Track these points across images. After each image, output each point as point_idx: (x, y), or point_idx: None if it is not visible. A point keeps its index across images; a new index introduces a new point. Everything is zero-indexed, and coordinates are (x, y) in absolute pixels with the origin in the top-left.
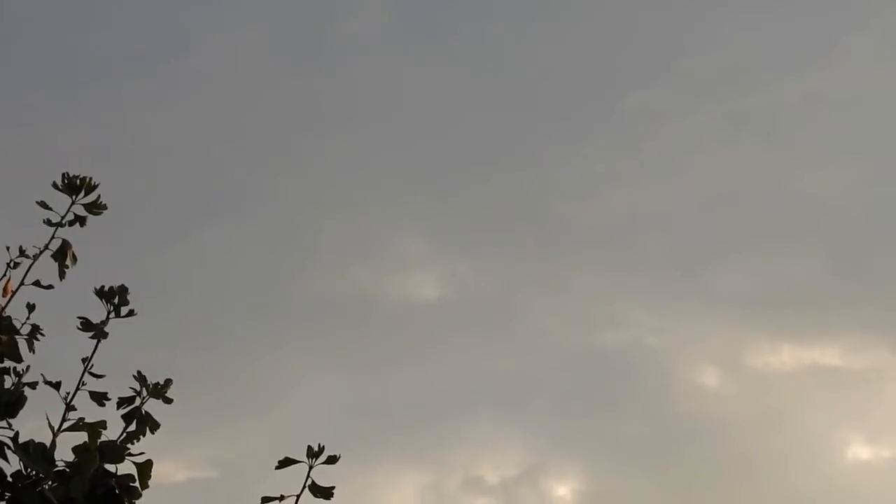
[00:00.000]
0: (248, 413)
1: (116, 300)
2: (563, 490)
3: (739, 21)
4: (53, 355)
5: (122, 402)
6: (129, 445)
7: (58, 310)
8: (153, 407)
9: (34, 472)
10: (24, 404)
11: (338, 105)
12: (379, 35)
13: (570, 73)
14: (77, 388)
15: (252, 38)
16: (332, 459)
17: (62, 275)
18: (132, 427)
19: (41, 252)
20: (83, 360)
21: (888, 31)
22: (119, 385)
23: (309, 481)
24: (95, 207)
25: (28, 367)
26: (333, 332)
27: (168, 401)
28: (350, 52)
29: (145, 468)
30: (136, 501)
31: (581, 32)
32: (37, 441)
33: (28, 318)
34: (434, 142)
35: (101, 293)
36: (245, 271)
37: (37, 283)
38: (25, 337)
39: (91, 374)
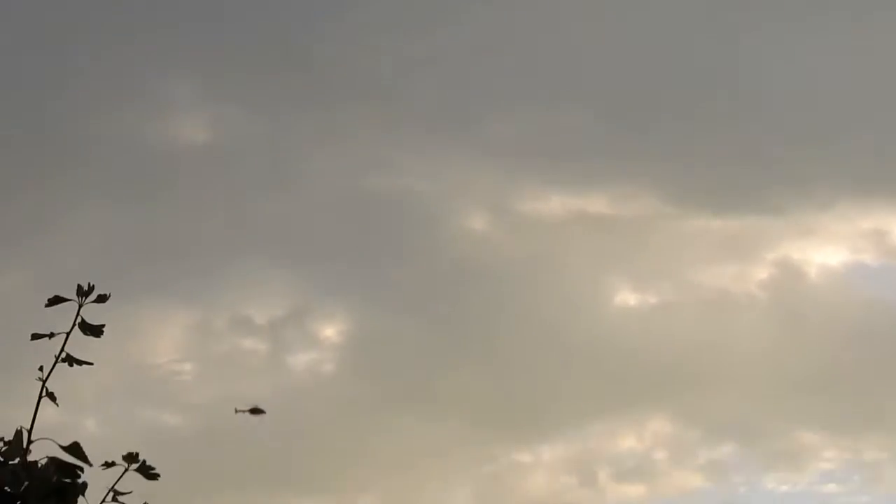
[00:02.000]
0: (12, 248)
1: None
2: (330, 331)
3: None
4: None
5: None
6: None
7: None
8: None
9: None
10: None
11: None
12: None
13: None
14: None
15: None
16: (102, 298)
17: None
18: None
19: None
20: None
21: None
22: None
23: (79, 319)
24: None
25: None
26: (104, 168)
27: None
28: None
29: None
30: None
31: None
32: None
33: None
34: None
35: None
36: (6, 103)
37: None
38: None
39: None
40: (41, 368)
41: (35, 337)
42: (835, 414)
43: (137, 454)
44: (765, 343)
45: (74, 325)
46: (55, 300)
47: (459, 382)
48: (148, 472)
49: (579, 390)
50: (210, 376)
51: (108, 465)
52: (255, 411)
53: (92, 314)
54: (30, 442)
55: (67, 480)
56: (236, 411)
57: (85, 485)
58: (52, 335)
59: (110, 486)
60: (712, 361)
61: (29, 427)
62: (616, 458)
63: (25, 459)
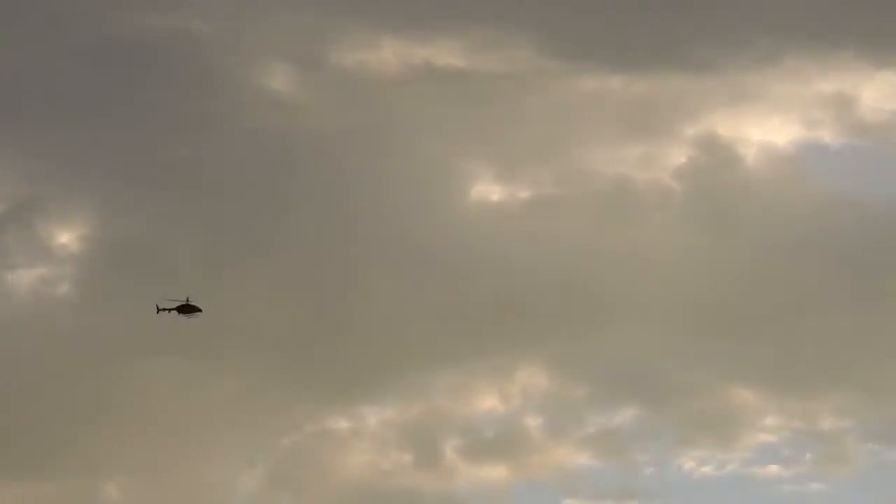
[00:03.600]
0: None
1: None
2: (66, 236)
3: None
4: None
5: None
6: None
7: None
8: None
9: None
10: None
11: None
12: None
13: None
14: None
15: None
16: None
17: None
18: None
19: None
20: None
21: None
22: None
23: None
24: None
25: None
26: None
27: None
28: None
29: None
30: None
31: None
32: None
33: None
34: None
35: None
36: None
37: None
38: None
39: None
40: None
41: None
42: (779, 362)
43: None
44: (681, 258)
45: None
46: None
47: (250, 312)
48: None
49: (420, 326)
50: None
51: None
52: (188, 309)
53: None
54: None
55: None
56: (158, 310)
57: None
58: None
59: None
60: (607, 284)
61: None
62: (469, 424)
63: None
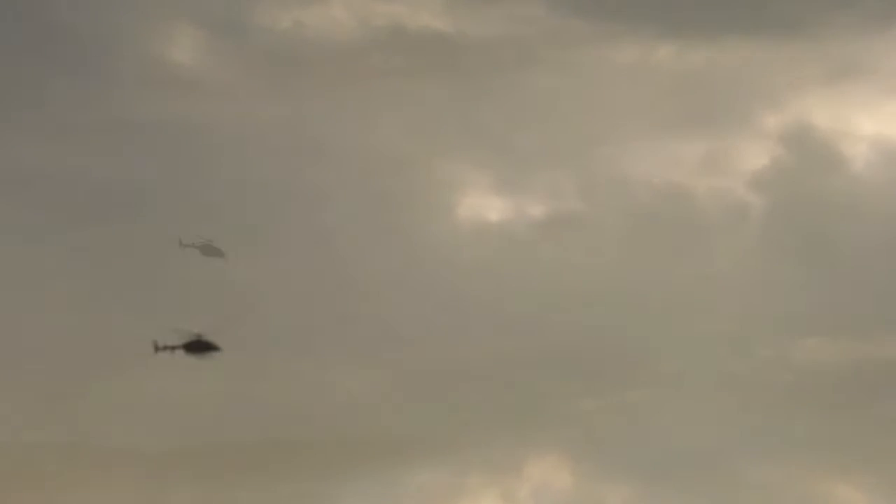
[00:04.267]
0: None
1: None
2: None
3: None
4: None
5: None
6: None
7: None
8: None
9: None
10: None
11: None
12: None
13: None
14: None
15: None
16: None
17: None
18: None
19: None
20: None
21: None
22: None
23: None
24: None
25: None
26: None
27: None
28: None
29: None
30: None
31: None
32: None
33: None
34: None
35: None
36: None
37: None
38: None
39: None
40: None
41: None
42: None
43: None
44: (759, 299)
45: None
46: None
47: (146, 375)
48: None
49: (390, 402)
50: None
51: None
52: (200, 347)
53: None
54: None
55: None
56: (157, 348)
57: None
58: None
59: None
60: (653, 338)
61: None
62: None
63: None
